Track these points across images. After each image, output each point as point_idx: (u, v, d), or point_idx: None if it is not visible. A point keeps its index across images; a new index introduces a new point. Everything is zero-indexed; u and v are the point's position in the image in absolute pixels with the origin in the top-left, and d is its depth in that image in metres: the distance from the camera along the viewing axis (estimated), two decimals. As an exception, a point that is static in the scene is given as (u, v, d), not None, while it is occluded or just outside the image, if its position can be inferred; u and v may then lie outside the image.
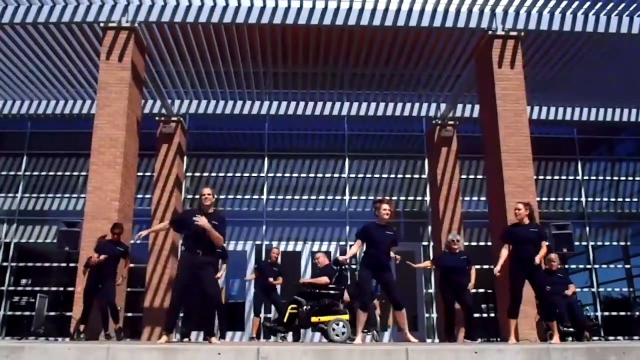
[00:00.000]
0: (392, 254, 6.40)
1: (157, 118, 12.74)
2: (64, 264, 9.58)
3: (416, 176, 13.61)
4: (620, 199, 13.78)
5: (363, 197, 13.33)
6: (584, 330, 8.49)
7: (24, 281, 12.75)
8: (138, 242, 12.13)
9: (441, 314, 10.88)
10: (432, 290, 12.72)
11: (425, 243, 13.12)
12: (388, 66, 11.80)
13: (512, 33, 9.68)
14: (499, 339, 8.90)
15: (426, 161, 13.49)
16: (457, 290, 7.74)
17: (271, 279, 9.30)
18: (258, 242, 12.87)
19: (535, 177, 9.59)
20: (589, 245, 13.18)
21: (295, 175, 13.48)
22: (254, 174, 13.43)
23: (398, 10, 9.73)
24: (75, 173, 13.35)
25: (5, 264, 12.74)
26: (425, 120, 13.65)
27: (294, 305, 7.68)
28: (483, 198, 12.73)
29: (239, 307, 12.29)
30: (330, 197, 13.35)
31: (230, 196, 13.24)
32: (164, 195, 12.42)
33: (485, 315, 10.47)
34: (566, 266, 11.11)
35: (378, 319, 9.34)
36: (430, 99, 13.21)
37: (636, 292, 13.15)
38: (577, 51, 11.02)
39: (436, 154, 12.85)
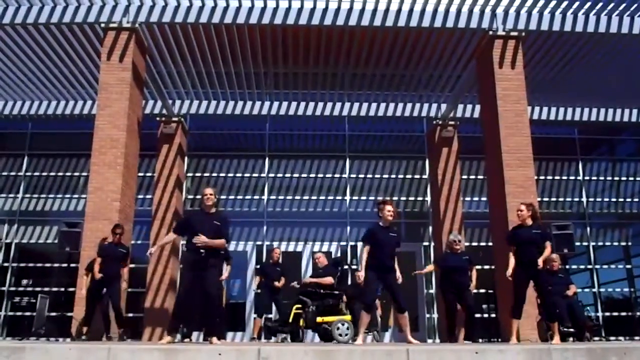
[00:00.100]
0: (397, 273, 6.34)
1: (157, 118, 12.75)
2: (64, 265, 9.59)
3: (417, 176, 13.61)
4: (621, 199, 13.78)
5: (364, 198, 13.33)
6: (585, 331, 8.49)
7: (24, 281, 12.75)
8: (139, 242, 12.18)
9: (442, 315, 10.87)
10: (432, 291, 12.72)
11: (426, 243, 13.12)
12: (389, 66, 11.80)
13: (512, 33, 9.68)
14: (499, 340, 8.90)
15: (427, 161, 13.49)
16: (459, 290, 7.74)
17: (277, 283, 9.30)
18: (259, 243, 12.87)
19: (536, 177, 9.59)
20: (589, 245, 13.17)
21: (295, 175, 13.49)
22: (254, 175, 13.43)
23: (399, 11, 9.74)
24: (76, 173, 13.36)
25: (6, 264, 12.75)
26: (425, 121, 13.65)
27: (299, 306, 7.65)
28: (484, 198, 12.73)
29: (240, 308, 12.30)
30: (330, 198, 13.36)
31: (231, 196, 13.24)
32: (165, 195, 12.43)
33: (485, 315, 10.46)
34: (567, 266, 11.11)
35: (379, 319, 9.34)
36: (430, 99, 13.21)
37: (637, 293, 13.14)
38: (577, 51, 11.02)
39: (437, 155, 12.85)
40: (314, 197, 13.35)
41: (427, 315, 12.64)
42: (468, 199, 13.31)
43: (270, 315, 9.73)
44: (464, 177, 13.26)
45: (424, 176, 13.56)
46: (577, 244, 11.91)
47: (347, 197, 13.31)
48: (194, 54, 11.18)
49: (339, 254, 12.64)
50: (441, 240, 12.20)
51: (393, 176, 13.58)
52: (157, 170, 12.60)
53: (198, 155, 13.54)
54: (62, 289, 9.96)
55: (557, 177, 13.74)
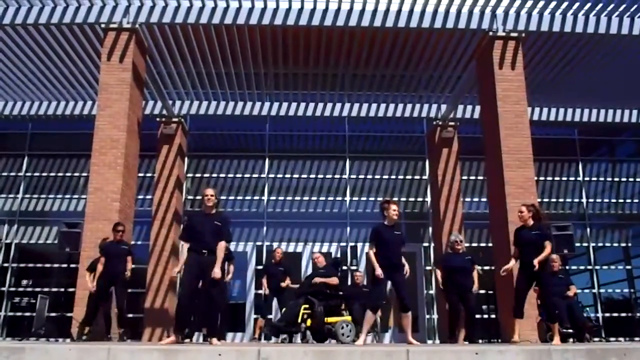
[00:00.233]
0: (405, 267, 6.33)
1: (158, 119, 12.75)
2: (64, 265, 9.58)
3: (417, 177, 13.62)
4: (621, 200, 13.78)
5: (364, 198, 13.34)
6: (584, 332, 8.48)
7: (24, 282, 12.75)
8: (139, 242, 12.18)
9: (444, 315, 10.87)
10: (432, 292, 12.72)
11: (426, 244, 13.12)
12: (389, 67, 11.81)
13: (512, 34, 9.69)
14: (499, 340, 8.89)
15: (427, 162, 13.50)
16: (462, 291, 7.73)
17: (282, 283, 9.28)
18: (259, 243, 12.88)
19: (535, 178, 9.59)
20: (589, 246, 13.17)
21: (295, 176, 13.49)
22: (254, 175, 13.44)
23: (399, 12, 9.74)
24: (76, 174, 13.36)
25: (6, 264, 12.75)
26: (426, 121, 13.66)
27: (307, 306, 7.64)
28: (484, 199, 12.74)
29: (240, 308, 12.30)
30: (330, 198, 13.36)
31: (231, 197, 13.24)
32: (165, 196, 12.44)
33: (485, 316, 10.46)
34: (567, 267, 11.10)
35: (378, 320, 9.34)
36: (430, 100, 13.22)
37: (637, 294, 13.13)
38: (577, 52, 11.03)
39: (437, 155, 12.86)
40: (314, 198, 13.35)
41: (427, 316, 12.63)
42: (468, 199, 13.31)
43: (270, 316, 9.70)
44: (464, 177, 13.27)
45: (424, 177, 13.56)
46: (577, 244, 11.92)
47: (347, 198, 13.31)
48: (194, 54, 11.19)
49: (339, 255, 12.64)
50: (441, 241, 12.21)
51: (393, 177, 13.58)
52: (157, 171, 12.60)
53: (198, 156, 13.55)
54: (62, 290, 9.95)
55: (557, 178, 13.74)
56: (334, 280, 7.97)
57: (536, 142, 9.51)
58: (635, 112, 13.59)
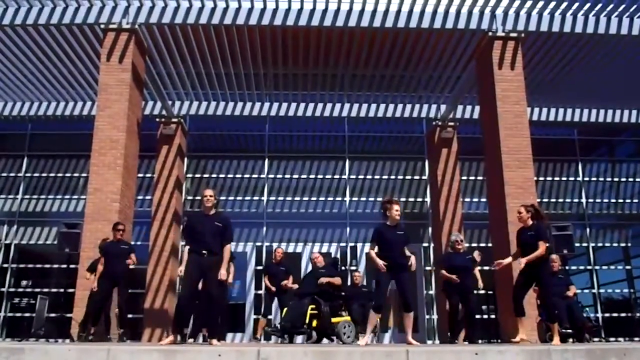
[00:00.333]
0: (411, 259, 6.33)
1: (157, 119, 12.75)
2: (64, 266, 9.57)
3: (416, 177, 13.62)
4: (620, 200, 13.78)
5: (363, 199, 13.34)
6: (584, 332, 8.48)
7: (24, 282, 12.75)
8: (139, 243, 12.18)
9: (444, 315, 10.86)
10: (432, 292, 12.71)
11: (425, 244, 13.12)
12: (388, 67, 11.81)
13: (512, 34, 9.69)
14: (499, 341, 8.89)
15: (426, 162, 13.50)
16: (463, 291, 7.72)
17: (285, 282, 9.26)
18: (259, 244, 12.87)
19: (535, 178, 9.59)
20: (589, 246, 13.18)
21: (295, 176, 13.49)
22: (254, 175, 13.43)
23: (398, 12, 9.74)
24: (76, 174, 13.36)
25: (5, 265, 12.75)
26: (425, 122, 13.67)
27: (314, 306, 7.64)
28: (483, 199, 12.73)
29: (240, 308, 12.29)
30: (330, 199, 13.36)
31: (231, 197, 13.24)
32: (165, 196, 12.43)
33: (485, 316, 10.46)
34: (567, 267, 11.11)
35: (378, 320, 9.33)
36: (430, 100, 13.22)
37: (637, 294, 13.14)
38: (577, 52, 11.03)
39: (436, 155, 12.86)
40: (313, 198, 13.36)
41: (427, 317, 12.63)
42: (468, 199, 13.32)
43: (270, 316, 9.69)
44: (464, 178, 13.27)
45: (423, 177, 13.56)
46: (577, 245, 11.92)
47: (347, 198, 13.31)
48: (193, 55, 11.19)
49: (338, 255, 12.64)
50: (441, 241, 12.21)
51: (393, 177, 13.59)
52: (156, 171, 12.60)
53: (198, 156, 13.55)
54: (62, 290, 9.94)
55: (556, 178, 13.74)
56: (338, 280, 8.00)
57: (536, 143, 9.51)
58: (634, 112, 13.60)
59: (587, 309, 12.27)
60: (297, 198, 13.34)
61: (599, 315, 12.69)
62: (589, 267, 13.14)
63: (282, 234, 13.05)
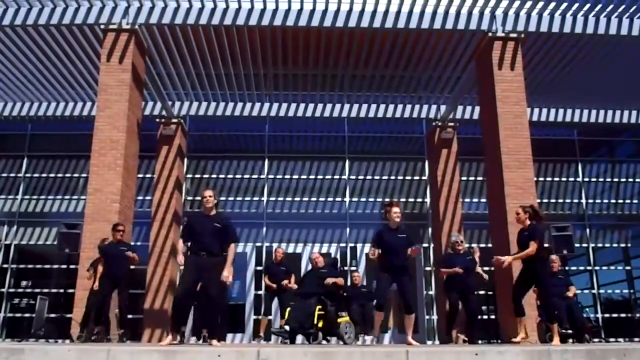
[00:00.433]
0: (409, 251, 6.35)
1: (157, 120, 12.75)
2: (64, 266, 9.57)
3: (416, 178, 13.61)
4: (620, 201, 13.78)
5: (363, 199, 13.34)
6: (584, 332, 8.47)
7: (24, 283, 12.75)
8: (138, 243, 12.17)
9: (444, 316, 10.86)
10: (432, 292, 12.71)
11: (425, 245, 13.11)
12: (388, 68, 11.81)
13: (512, 35, 9.69)
14: (499, 341, 8.89)
15: (426, 163, 13.50)
16: (464, 292, 7.72)
17: (285, 282, 9.24)
18: (258, 244, 12.87)
19: (535, 178, 9.59)
20: (589, 247, 13.17)
21: (295, 177, 13.49)
22: (254, 176, 13.43)
23: (398, 12, 9.74)
24: (76, 175, 13.35)
25: (5, 265, 12.74)
26: (425, 122, 13.66)
27: (320, 306, 7.66)
28: (483, 200, 12.73)
29: (240, 309, 12.29)
30: (330, 199, 13.36)
31: (231, 198, 13.24)
32: (165, 197, 12.43)
33: (485, 317, 10.46)
34: (567, 268, 11.11)
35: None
36: (430, 100, 13.22)
37: (637, 294, 13.13)
38: (577, 53, 11.03)
39: (436, 156, 12.86)
40: (313, 199, 13.35)
41: (427, 317, 12.63)
42: (467, 200, 13.31)
43: (270, 317, 9.68)
44: (464, 178, 13.26)
45: (423, 177, 13.56)
46: (577, 245, 11.91)
47: (347, 199, 13.31)
48: (193, 55, 11.19)
49: (338, 256, 12.64)
50: (441, 242, 12.21)
51: (393, 177, 13.58)
52: (156, 172, 12.60)
53: (197, 157, 13.55)
54: (62, 291, 9.93)
55: (556, 179, 13.74)
56: (341, 281, 8.05)
57: (535, 143, 9.51)
58: (634, 112, 13.60)
59: (587, 309, 12.28)
60: (297, 198, 13.34)
61: (599, 315, 12.68)
62: (588, 268, 13.14)
63: (282, 234, 13.05)
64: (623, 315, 12.88)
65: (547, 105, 13.40)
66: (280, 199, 13.32)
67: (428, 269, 12.85)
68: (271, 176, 13.44)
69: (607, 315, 12.83)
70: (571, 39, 10.39)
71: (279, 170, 13.51)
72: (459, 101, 12.42)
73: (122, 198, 8.92)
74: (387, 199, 12.85)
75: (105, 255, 7.83)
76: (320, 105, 13.31)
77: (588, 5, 9.61)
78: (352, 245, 12.90)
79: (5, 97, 13.05)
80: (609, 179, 13.89)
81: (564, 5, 9.66)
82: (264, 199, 13.24)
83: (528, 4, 9.70)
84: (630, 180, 13.91)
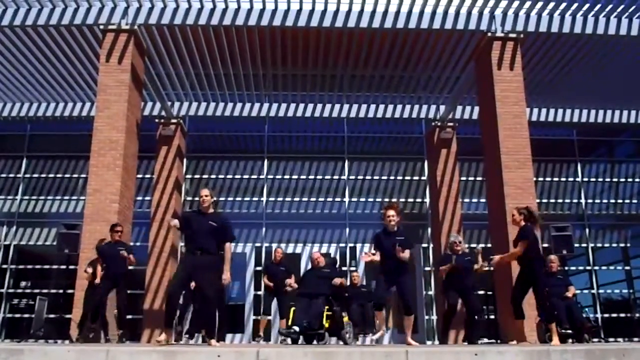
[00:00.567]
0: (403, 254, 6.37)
1: (156, 120, 12.75)
2: (63, 267, 9.57)
3: (416, 178, 13.62)
4: (619, 201, 13.78)
5: (363, 199, 13.34)
6: (583, 332, 8.47)
7: (23, 283, 12.74)
8: (138, 244, 12.17)
9: (442, 314, 10.85)
10: (432, 293, 12.71)
11: (425, 245, 13.11)
12: (387, 68, 11.81)
13: (511, 35, 9.69)
14: (498, 341, 8.89)
15: (426, 163, 13.50)
16: (463, 292, 7.72)
17: (287, 281, 9.21)
18: (258, 244, 12.86)
19: (534, 178, 9.58)
20: (588, 247, 13.18)
21: (294, 177, 13.49)
22: (253, 176, 13.43)
23: (397, 12, 9.74)
24: (75, 175, 13.35)
25: (4, 266, 12.73)
26: (424, 122, 13.66)
27: (327, 307, 7.68)
28: (483, 200, 12.73)
29: (239, 309, 12.29)
30: (330, 199, 13.36)
31: (230, 198, 13.24)
32: (164, 197, 12.42)
33: (485, 317, 10.46)
34: (566, 268, 11.11)
35: (377, 321, 9.32)
36: (429, 100, 13.22)
37: (636, 294, 13.14)
38: (576, 53, 11.04)
39: (436, 156, 12.86)
40: (312, 199, 13.35)
41: (426, 317, 12.63)
42: (467, 200, 13.32)
43: (269, 317, 9.68)
44: (463, 178, 13.26)
45: (422, 177, 13.56)
46: (576, 245, 11.90)
47: (346, 199, 13.31)
48: (192, 55, 11.18)
49: (337, 256, 12.65)
50: (440, 242, 12.21)
51: (392, 178, 13.58)
52: (156, 172, 12.59)
53: (197, 157, 13.55)
54: (61, 291, 9.93)
55: (555, 179, 13.75)
56: (346, 281, 8.12)
57: (535, 143, 9.52)
58: (633, 112, 13.60)
59: (587, 309, 12.27)
60: (297, 199, 13.33)
61: (598, 315, 12.69)
62: (588, 268, 13.14)
63: (282, 234, 13.05)
64: (622, 315, 12.88)
65: (546, 105, 13.41)
66: (280, 199, 13.32)
67: (427, 269, 12.85)
68: (270, 176, 13.44)
69: (606, 315, 12.83)
70: (570, 39, 10.39)
71: (279, 170, 13.51)
72: (459, 101, 12.42)
73: (121, 198, 8.91)
74: (387, 200, 12.87)
75: (103, 256, 7.82)
76: (319, 106, 13.31)
77: (587, 5, 9.62)
78: (352, 245, 12.90)
79: (5, 98, 13.04)
80: (608, 179, 13.89)
81: (563, 5, 9.66)
82: (264, 199, 13.24)
83: (527, 4, 9.70)
84: (630, 180, 13.91)
